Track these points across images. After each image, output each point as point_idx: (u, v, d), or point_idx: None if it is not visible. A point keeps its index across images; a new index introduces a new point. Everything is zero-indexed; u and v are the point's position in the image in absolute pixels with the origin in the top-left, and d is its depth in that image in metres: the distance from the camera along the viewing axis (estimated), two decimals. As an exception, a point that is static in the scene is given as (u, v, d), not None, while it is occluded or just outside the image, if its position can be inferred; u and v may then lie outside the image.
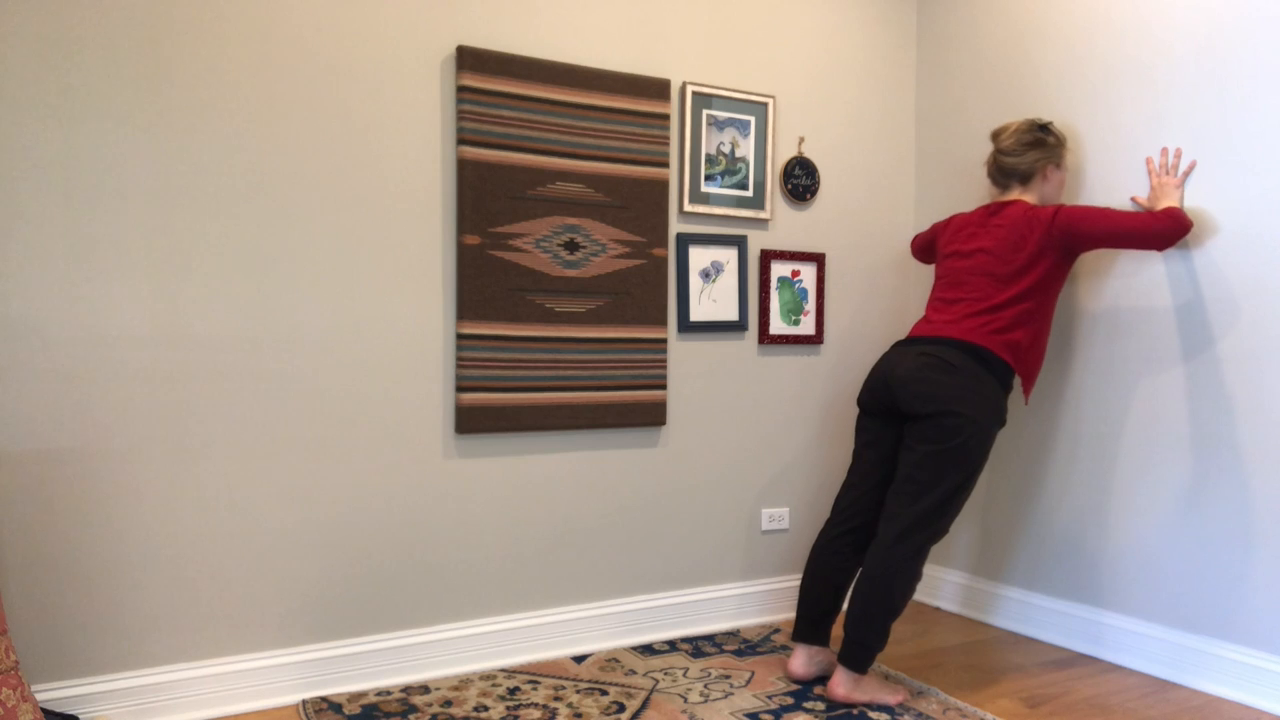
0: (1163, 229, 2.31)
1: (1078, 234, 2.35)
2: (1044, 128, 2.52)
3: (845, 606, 2.73)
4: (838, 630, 2.78)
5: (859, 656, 2.24)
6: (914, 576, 2.24)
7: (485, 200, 2.44)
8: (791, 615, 3.02)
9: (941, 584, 3.17)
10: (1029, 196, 2.52)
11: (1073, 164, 2.72)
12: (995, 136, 2.57)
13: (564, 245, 2.55)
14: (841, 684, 2.25)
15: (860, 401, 2.48)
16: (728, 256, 2.86)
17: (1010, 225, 2.42)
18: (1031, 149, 2.50)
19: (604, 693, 2.32)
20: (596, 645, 2.67)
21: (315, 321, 2.28)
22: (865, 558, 2.28)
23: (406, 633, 2.41)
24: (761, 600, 2.97)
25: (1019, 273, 2.37)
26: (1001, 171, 2.54)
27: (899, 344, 2.45)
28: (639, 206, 2.66)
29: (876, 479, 2.42)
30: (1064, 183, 2.61)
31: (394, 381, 2.38)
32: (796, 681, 2.41)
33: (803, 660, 2.42)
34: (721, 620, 2.90)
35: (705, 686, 2.38)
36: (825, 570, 2.42)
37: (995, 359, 2.32)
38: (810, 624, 2.43)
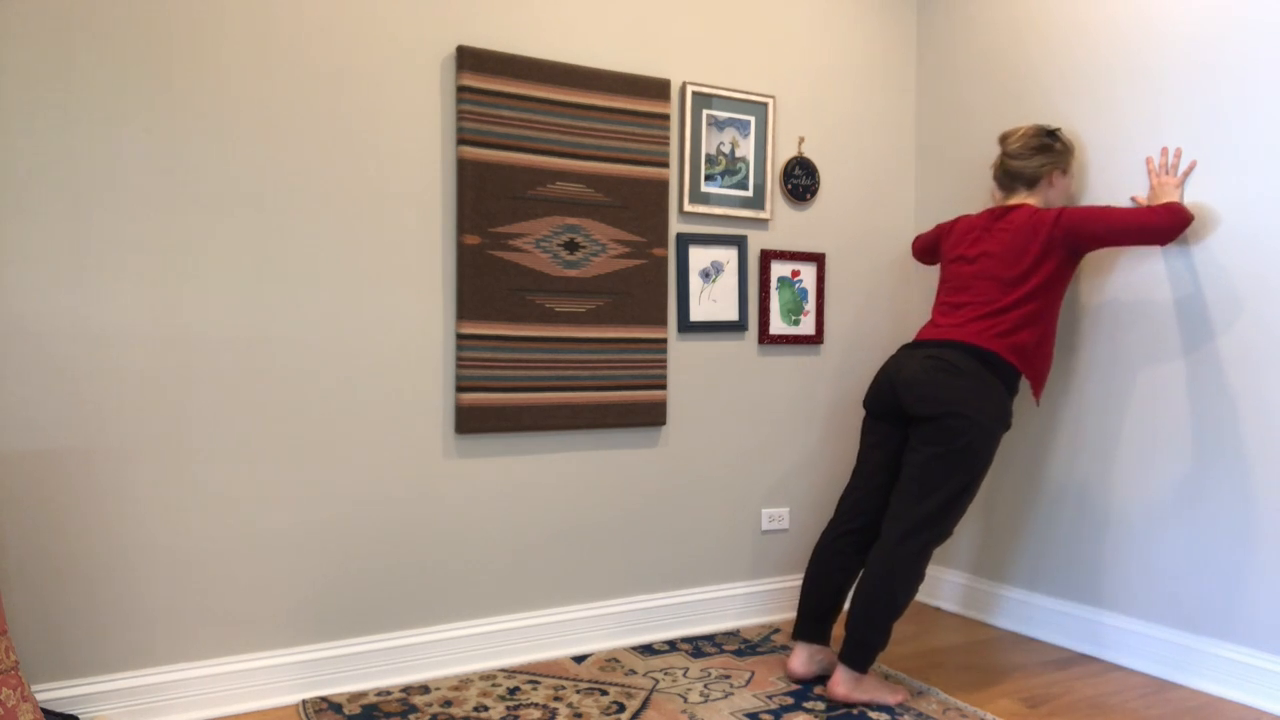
0: (1164, 224, 2.32)
1: (1081, 235, 2.37)
2: (1052, 134, 2.54)
3: (847, 606, 2.73)
4: (838, 630, 2.78)
5: (860, 655, 2.24)
6: (917, 576, 2.25)
7: (485, 200, 2.44)
8: (791, 615, 3.02)
9: (941, 584, 3.17)
10: (1034, 201, 2.54)
11: (1074, 165, 2.71)
12: (1003, 140, 2.58)
13: (564, 245, 2.55)
14: (842, 683, 2.25)
15: (866, 404, 2.49)
16: (728, 256, 2.86)
17: (1016, 230, 2.43)
18: (1038, 154, 2.52)
19: (604, 693, 2.32)
20: (596, 645, 2.67)
21: (315, 321, 2.28)
22: (869, 557, 2.29)
23: (406, 633, 2.41)
24: (762, 600, 2.97)
25: (1024, 276, 2.38)
26: (1008, 175, 2.56)
27: (905, 347, 2.48)
28: (639, 206, 2.66)
29: (881, 480, 2.42)
30: (1069, 190, 2.61)
31: (394, 381, 2.38)
32: (796, 680, 2.41)
33: (803, 659, 2.42)
34: (721, 620, 2.90)
35: (705, 686, 2.37)
36: (827, 569, 2.43)
37: (1001, 361, 2.34)
38: (811, 622, 2.43)
